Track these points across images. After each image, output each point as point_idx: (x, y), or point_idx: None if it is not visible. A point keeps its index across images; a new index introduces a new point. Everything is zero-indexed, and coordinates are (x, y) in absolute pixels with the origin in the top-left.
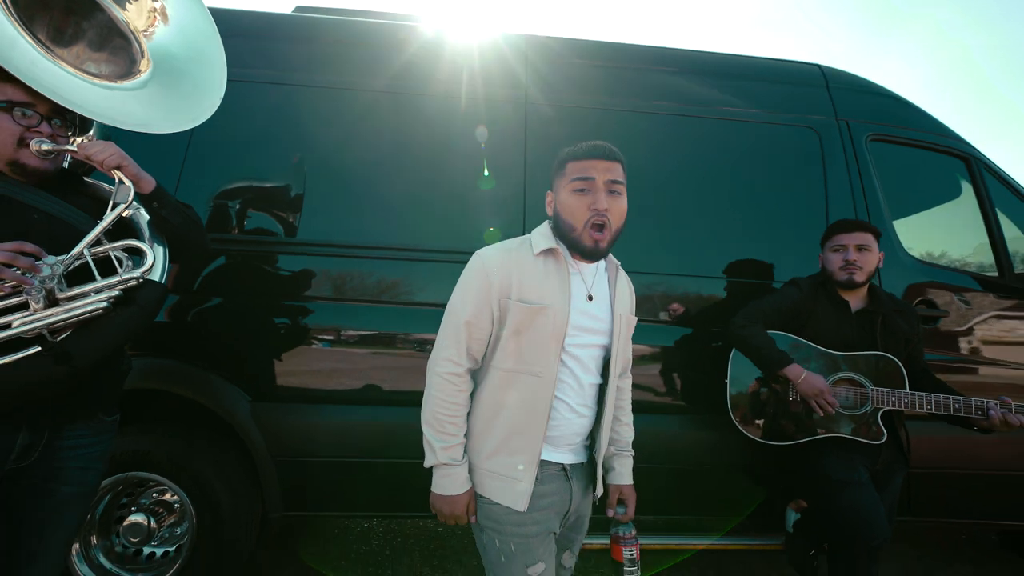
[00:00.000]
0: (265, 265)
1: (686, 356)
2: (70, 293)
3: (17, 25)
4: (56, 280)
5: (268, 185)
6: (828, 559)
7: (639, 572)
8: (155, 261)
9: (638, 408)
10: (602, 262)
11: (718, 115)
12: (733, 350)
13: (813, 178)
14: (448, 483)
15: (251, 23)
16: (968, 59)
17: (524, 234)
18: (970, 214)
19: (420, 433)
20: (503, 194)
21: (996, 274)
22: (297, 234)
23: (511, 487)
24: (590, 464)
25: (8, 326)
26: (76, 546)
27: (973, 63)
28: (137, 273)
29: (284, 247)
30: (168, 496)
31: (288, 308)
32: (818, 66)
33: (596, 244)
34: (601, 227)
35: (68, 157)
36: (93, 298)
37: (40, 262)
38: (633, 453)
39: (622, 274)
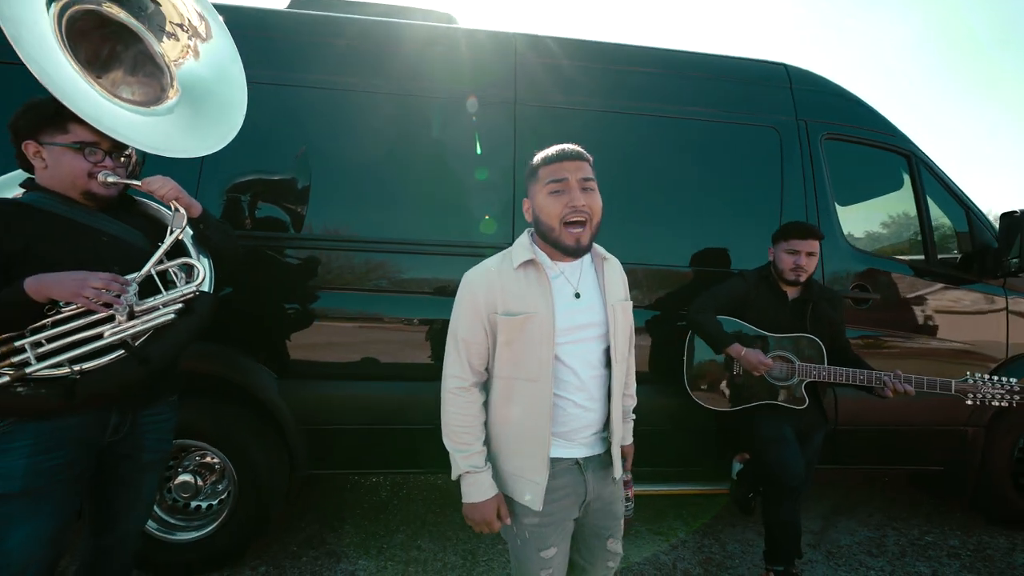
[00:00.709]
0: (288, 259)
1: (654, 335)
2: (145, 306)
3: (88, 77)
4: (134, 296)
5: (278, 181)
6: (762, 499)
7: (632, 506)
8: (205, 274)
9: None
10: (587, 257)
11: (685, 115)
12: (690, 332)
13: (772, 175)
14: (474, 491)
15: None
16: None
17: (513, 222)
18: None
19: (421, 401)
20: (494, 188)
21: (923, 257)
22: (313, 230)
23: (526, 487)
24: (608, 455)
25: (101, 336)
26: None
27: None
28: (193, 287)
29: (300, 242)
30: (209, 459)
31: (308, 297)
32: (784, 66)
33: (577, 241)
34: (582, 223)
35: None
36: (162, 310)
37: (127, 286)
38: (634, 417)
39: (611, 263)
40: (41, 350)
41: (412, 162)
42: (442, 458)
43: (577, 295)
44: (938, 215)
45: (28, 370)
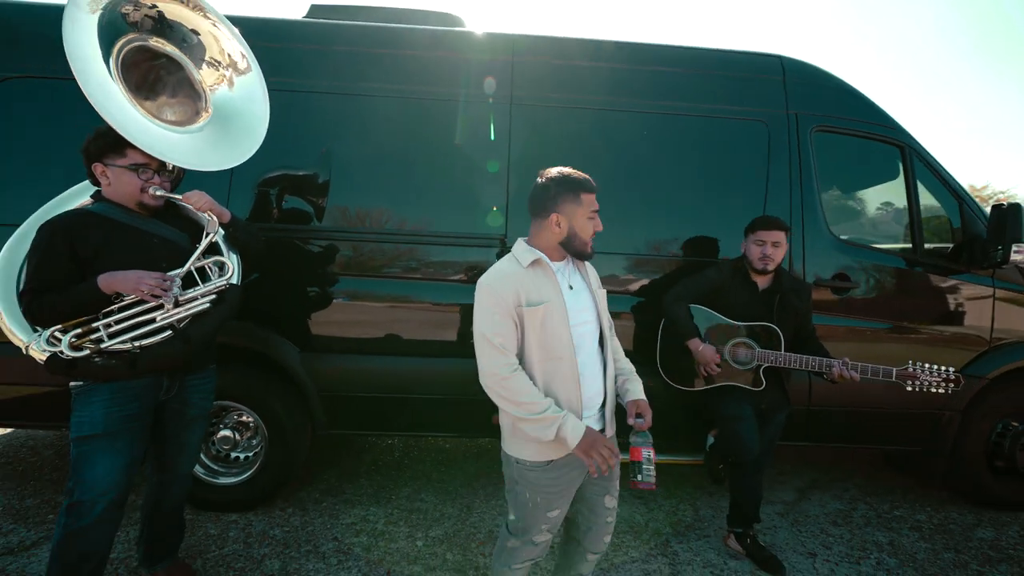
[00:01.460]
0: (310, 247)
1: (638, 320)
2: (187, 296)
3: (136, 103)
4: (178, 289)
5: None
6: (730, 469)
7: (654, 469)
8: (234, 270)
9: None
10: (568, 259)
11: (673, 111)
12: (663, 320)
13: (758, 168)
14: (570, 434)
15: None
16: None
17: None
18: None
19: (427, 373)
20: (490, 183)
21: (910, 246)
22: (335, 222)
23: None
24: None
25: (154, 320)
26: None
27: None
28: (223, 281)
29: (317, 234)
30: (245, 418)
31: (327, 280)
32: (779, 58)
33: (592, 250)
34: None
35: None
36: (200, 300)
37: (172, 282)
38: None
39: (588, 262)
40: (111, 330)
41: (414, 161)
42: (438, 423)
43: (571, 287)
44: (935, 206)
45: (102, 345)
